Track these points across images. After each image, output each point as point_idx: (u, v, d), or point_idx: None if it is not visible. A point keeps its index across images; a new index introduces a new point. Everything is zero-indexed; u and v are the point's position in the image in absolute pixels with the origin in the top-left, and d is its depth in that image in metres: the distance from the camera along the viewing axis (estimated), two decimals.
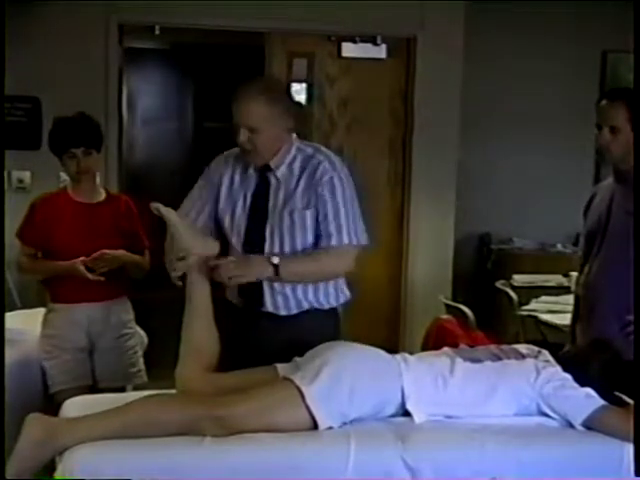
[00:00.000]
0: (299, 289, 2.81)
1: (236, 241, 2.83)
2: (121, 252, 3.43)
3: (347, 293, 2.93)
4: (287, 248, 2.78)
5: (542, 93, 6.46)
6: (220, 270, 2.66)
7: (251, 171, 2.84)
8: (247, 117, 2.71)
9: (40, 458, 2.32)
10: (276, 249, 2.77)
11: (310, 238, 2.79)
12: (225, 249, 2.86)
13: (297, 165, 2.81)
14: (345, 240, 2.76)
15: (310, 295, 2.83)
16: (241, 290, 2.82)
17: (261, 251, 2.78)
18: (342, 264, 2.82)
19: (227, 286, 2.79)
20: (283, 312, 2.82)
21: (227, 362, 2.72)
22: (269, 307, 2.82)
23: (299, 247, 2.79)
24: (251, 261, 2.74)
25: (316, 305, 2.85)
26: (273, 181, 2.81)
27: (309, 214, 2.77)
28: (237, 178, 2.87)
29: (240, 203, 2.84)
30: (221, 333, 2.74)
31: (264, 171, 2.82)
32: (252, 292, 2.80)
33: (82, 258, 3.39)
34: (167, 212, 2.75)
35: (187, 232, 2.78)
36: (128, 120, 6.84)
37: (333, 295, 2.88)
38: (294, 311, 2.83)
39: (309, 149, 2.85)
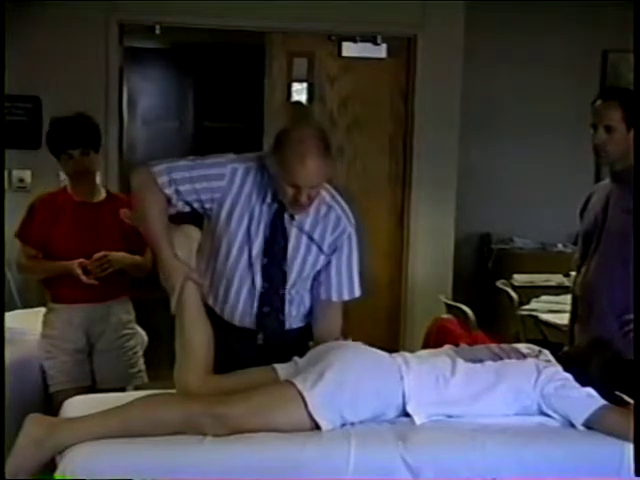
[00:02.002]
0: (296, 309, 2.84)
1: (254, 274, 2.75)
2: (121, 254, 3.42)
3: None
4: (301, 284, 2.80)
5: (542, 93, 6.46)
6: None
7: (269, 201, 2.71)
8: (315, 178, 2.59)
9: (39, 457, 2.31)
10: (290, 283, 2.77)
11: (310, 281, 2.83)
12: None
13: (313, 208, 2.72)
14: (356, 293, 2.84)
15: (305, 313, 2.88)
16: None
17: (282, 286, 2.76)
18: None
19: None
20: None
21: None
22: (292, 322, 2.83)
23: (306, 287, 2.82)
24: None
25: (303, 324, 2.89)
26: (286, 216, 2.73)
27: (322, 259, 2.78)
28: (257, 208, 2.71)
29: (260, 237, 2.72)
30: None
31: (281, 205, 2.73)
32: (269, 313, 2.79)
33: (81, 260, 3.38)
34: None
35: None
36: (128, 120, 6.83)
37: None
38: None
39: (324, 193, 2.74)
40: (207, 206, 2.72)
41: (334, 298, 2.81)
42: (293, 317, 2.83)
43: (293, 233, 2.75)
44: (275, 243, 2.73)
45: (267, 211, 2.72)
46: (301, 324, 2.86)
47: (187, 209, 2.74)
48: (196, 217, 2.82)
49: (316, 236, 2.75)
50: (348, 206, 2.83)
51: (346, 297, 2.83)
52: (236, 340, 2.80)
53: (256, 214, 2.72)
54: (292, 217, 2.73)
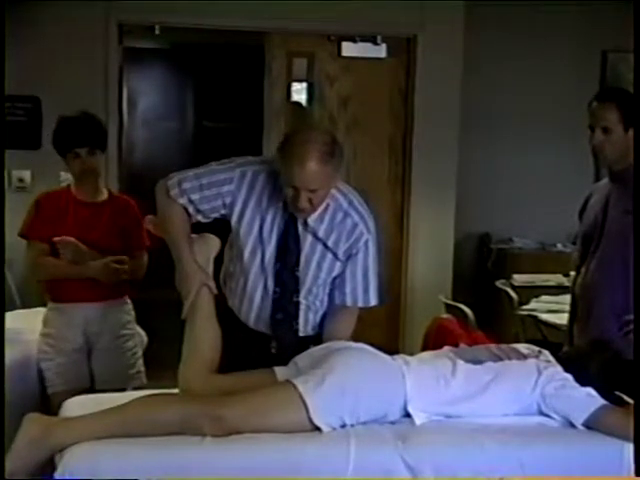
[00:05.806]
0: (313, 315, 2.83)
1: (266, 278, 2.74)
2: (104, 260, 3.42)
3: None
4: (319, 291, 2.79)
5: (542, 93, 6.45)
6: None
7: (281, 205, 2.69)
8: (313, 182, 2.55)
9: (37, 457, 2.32)
10: (306, 290, 2.76)
11: (328, 287, 2.80)
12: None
13: (328, 214, 2.71)
14: (372, 301, 2.79)
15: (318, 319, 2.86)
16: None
17: (295, 292, 2.75)
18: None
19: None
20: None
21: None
22: (309, 329, 2.82)
23: (325, 292, 2.80)
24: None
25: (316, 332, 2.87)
26: (300, 222, 2.71)
27: (338, 265, 2.75)
28: (269, 212, 2.70)
29: (273, 242, 2.71)
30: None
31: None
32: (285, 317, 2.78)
33: (110, 257, 3.42)
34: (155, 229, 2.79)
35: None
36: (128, 120, 6.84)
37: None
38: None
39: (341, 199, 2.73)
40: (223, 212, 2.74)
41: (348, 303, 2.79)
42: (311, 324, 2.82)
43: (307, 239, 2.73)
44: (288, 249, 2.72)
45: (280, 216, 2.72)
46: (319, 331, 2.85)
47: (207, 219, 2.76)
48: (220, 227, 2.83)
49: (330, 243, 2.73)
50: (371, 215, 2.78)
51: (360, 303, 2.79)
52: (252, 343, 2.80)
53: (268, 218, 2.72)
54: (305, 223, 2.71)
